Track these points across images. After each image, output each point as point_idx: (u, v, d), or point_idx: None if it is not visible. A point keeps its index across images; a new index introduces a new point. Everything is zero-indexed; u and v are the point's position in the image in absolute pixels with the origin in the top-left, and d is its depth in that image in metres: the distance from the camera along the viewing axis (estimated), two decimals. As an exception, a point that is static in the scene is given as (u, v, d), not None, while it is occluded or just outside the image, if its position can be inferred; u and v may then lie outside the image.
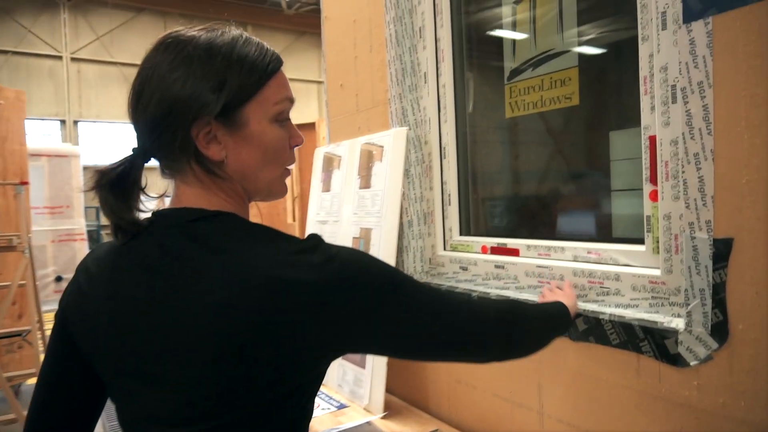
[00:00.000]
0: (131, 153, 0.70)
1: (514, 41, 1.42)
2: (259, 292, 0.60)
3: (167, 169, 0.71)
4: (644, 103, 1.04)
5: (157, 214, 0.71)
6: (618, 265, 1.12)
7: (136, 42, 10.91)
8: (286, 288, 0.60)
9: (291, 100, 0.73)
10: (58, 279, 5.84)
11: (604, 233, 1.22)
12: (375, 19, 1.69)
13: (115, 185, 0.68)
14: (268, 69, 0.70)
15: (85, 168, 6.05)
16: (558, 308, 0.99)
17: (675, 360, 0.93)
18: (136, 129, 0.70)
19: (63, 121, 10.96)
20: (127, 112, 0.71)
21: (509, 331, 0.81)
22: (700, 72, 0.87)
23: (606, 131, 1.22)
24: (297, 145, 0.75)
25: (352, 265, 0.65)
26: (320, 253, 0.64)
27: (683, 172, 0.91)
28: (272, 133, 0.71)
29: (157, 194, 0.75)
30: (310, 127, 5.48)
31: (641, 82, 1.04)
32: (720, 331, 0.87)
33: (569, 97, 1.27)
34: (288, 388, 0.64)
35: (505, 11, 1.43)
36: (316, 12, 1.97)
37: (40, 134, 10.67)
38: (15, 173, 4.08)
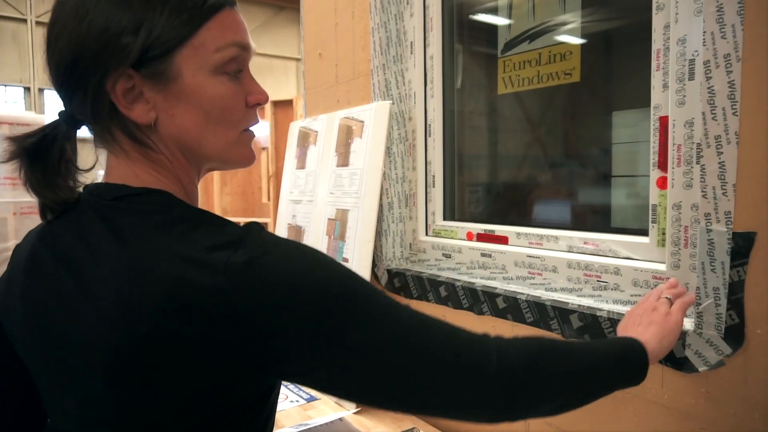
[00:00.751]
0: (56, 118, 0.58)
1: (510, 10, 1.30)
2: (156, 297, 0.47)
3: (95, 136, 0.58)
4: (655, 80, 0.94)
5: (86, 190, 0.59)
6: (618, 257, 1.03)
7: (106, 9, 10.39)
8: (187, 293, 0.47)
9: (243, 47, 0.58)
10: (19, 253, 5.60)
11: (602, 223, 1.12)
12: (359, -18, 1.55)
13: (34, 157, 0.56)
14: (205, 5, 0.55)
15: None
16: (623, 350, 0.67)
17: (681, 364, 0.84)
18: (53, 85, 0.57)
19: (27, 89, 10.47)
20: None
21: (523, 388, 0.56)
22: (728, 43, 0.77)
23: (609, 111, 1.11)
24: (258, 104, 0.61)
25: (282, 269, 0.49)
26: (244, 250, 0.49)
27: (701, 156, 0.81)
28: (215, 87, 0.56)
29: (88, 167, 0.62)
30: (287, 104, 5.31)
31: (653, 56, 0.94)
32: (735, 334, 0.79)
33: (569, 72, 1.16)
34: (208, 414, 0.51)
35: (502, -23, 1.31)
36: (296, -23, 1.82)
37: (3, 101, 10.18)
38: (-32, 140, 3.83)
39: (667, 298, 0.80)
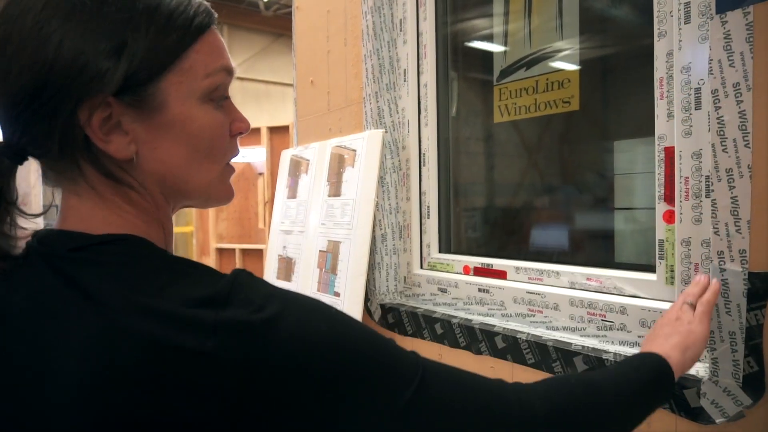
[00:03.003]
0: None
1: (505, 37, 1.27)
2: (134, 363, 0.40)
3: (50, 172, 0.50)
4: (659, 109, 0.90)
5: (35, 239, 0.50)
6: (623, 295, 0.97)
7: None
8: (169, 359, 0.40)
9: (229, 71, 0.53)
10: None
11: (605, 258, 1.07)
12: (351, 10, 1.52)
13: None
14: (193, 25, 0.49)
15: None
16: (649, 372, 0.65)
17: (696, 415, 0.78)
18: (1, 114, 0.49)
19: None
20: None
21: None
22: (737, 72, 0.73)
23: (610, 140, 1.07)
24: (241, 133, 0.56)
25: (287, 329, 0.42)
26: (236, 307, 0.42)
27: (711, 190, 0.76)
28: (204, 117, 0.51)
29: (36, 212, 0.52)
30: (284, 130, 5.30)
31: (656, 84, 0.90)
32: (754, 384, 0.72)
33: (568, 101, 1.12)
34: None
35: (497, 5, 1.28)
36: (291, 7, 1.80)
37: None
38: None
39: (689, 304, 0.74)
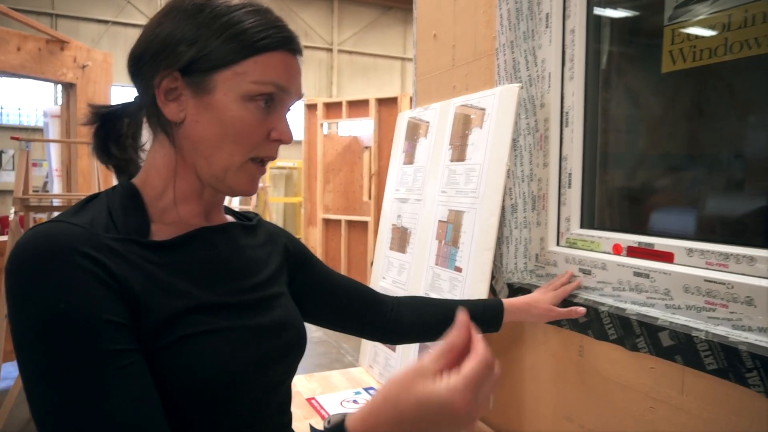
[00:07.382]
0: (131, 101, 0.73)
1: (684, -36, 1.02)
2: None
3: (147, 119, 0.72)
4: None
5: None
6: None
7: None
8: None
9: (282, 88, 0.66)
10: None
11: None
12: (484, -52, 1.33)
13: (102, 124, 0.72)
14: (257, 43, 0.64)
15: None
16: None
17: None
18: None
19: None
20: None
21: None
22: None
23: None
24: (278, 140, 0.68)
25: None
26: None
27: None
28: (238, 111, 0.64)
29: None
30: (392, 101, 5.25)
31: None
32: None
33: (774, 38, 0.86)
34: None
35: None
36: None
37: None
38: (97, 135, 4.08)
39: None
